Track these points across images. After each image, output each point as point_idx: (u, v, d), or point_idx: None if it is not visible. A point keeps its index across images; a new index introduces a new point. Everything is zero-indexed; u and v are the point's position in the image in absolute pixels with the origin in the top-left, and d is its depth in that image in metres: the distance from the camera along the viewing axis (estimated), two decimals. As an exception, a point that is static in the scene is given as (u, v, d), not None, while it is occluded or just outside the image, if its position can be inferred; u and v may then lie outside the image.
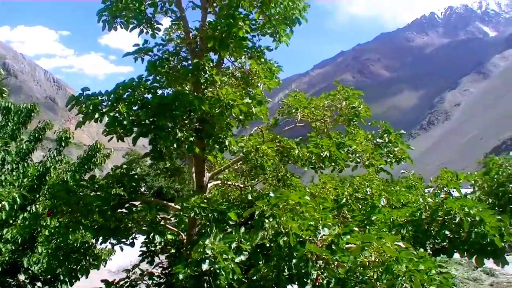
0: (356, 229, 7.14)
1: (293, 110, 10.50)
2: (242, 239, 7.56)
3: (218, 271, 6.94)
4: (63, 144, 15.73)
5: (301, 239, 6.97)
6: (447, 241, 8.09)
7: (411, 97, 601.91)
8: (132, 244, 10.40)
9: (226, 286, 7.28)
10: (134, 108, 8.87)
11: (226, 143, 9.85)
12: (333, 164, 9.42)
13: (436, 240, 8.13)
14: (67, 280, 13.14)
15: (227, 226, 8.82)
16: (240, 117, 9.40)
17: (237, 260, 7.20)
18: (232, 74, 10.70)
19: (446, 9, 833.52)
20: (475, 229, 7.64)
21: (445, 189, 8.88)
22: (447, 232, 7.89)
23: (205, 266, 6.89)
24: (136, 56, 10.57)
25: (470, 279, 21.97)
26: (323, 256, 6.74)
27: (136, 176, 11.11)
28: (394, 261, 5.83)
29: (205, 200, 9.18)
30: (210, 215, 8.92)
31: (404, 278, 5.66)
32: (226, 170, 11.63)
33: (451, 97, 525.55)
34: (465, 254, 8.17)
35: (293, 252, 6.79)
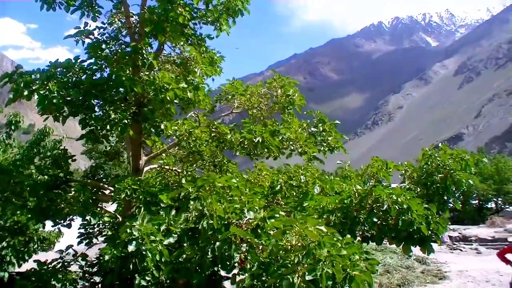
0: (282, 213, 6.66)
1: (229, 97, 9.96)
2: (172, 222, 7.04)
3: (144, 252, 6.49)
4: (12, 127, 15.15)
5: (226, 222, 6.49)
6: (375, 228, 7.73)
7: (357, 98, 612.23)
8: (69, 226, 10.11)
9: (153, 268, 6.82)
10: (68, 88, 8.23)
11: (162, 127, 9.25)
12: (266, 150, 8.93)
13: (364, 227, 7.75)
14: (15, 261, 12.51)
15: (161, 209, 8.27)
16: (176, 101, 8.79)
17: (165, 242, 6.77)
18: (174, 61, 10.13)
19: (393, 19, 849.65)
20: (403, 217, 7.29)
21: (374, 177, 8.50)
22: (375, 219, 7.51)
23: (131, 247, 6.44)
24: (78, 38, 9.99)
25: (403, 267, 21.96)
26: (248, 240, 6.27)
27: (73, 158, 10.51)
28: (316, 245, 5.36)
29: (138, 182, 8.58)
30: (141, 197, 8.33)
31: (325, 262, 5.20)
32: (164, 154, 11.01)
33: (394, 100, 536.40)
34: (394, 242, 7.84)
35: (218, 235, 6.31)
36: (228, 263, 6.25)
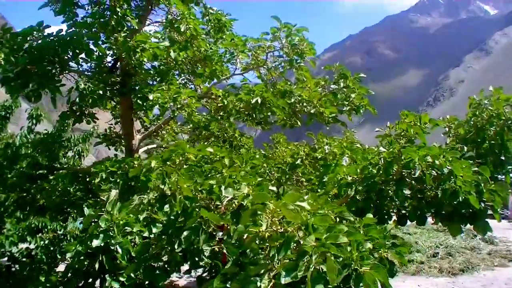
0: (273, 188, 4.86)
1: (229, 56, 8.22)
2: (156, 209, 5.41)
3: (113, 247, 5.16)
4: (34, 121, 14.32)
5: (197, 204, 4.81)
6: (410, 203, 5.84)
7: (416, 75, 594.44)
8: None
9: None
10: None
11: (151, 97, 7.60)
12: (269, 113, 7.15)
13: (396, 203, 5.87)
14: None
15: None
16: (156, 63, 7.16)
17: (146, 234, 5.28)
18: (162, 22, 8.52)
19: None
20: (443, 186, 5.36)
21: (405, 136, 6.52)
22: (406, 192, 5.60)
23: (95, 242, 5.08)
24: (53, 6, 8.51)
25: (468, 248, 19.49)
26: (227, 226, 4.56)
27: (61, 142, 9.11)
28: (301, 230, 3.60)
29: (117, 164, 7.03)
30: (119, 180, 6.76)
31: (313, 256, 3.42)
32: (165, 132, 9.43)
33: (455, 75, 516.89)
34: (437, 220, 5.94)
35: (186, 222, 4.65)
36: (196, 258, 4.61)
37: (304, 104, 7.51)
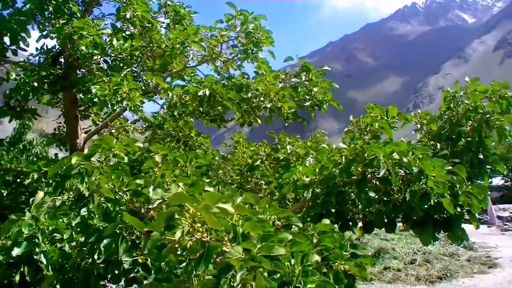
0: (210, 188, 4.09)
1: (179, 46, 7.46)
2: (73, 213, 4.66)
3: (37, 257, 4.38)
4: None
5: (121, 207, 4.06)
6: (375, 207, 5.13)
7: (396, 82, 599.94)
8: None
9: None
10: None
11: (93, 91, 6.77)
12: (219, 108, 6.41)
13: (358, 206, 5.16)
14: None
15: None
16: (95, 51, 6.37)
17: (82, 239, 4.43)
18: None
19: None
20: (412, 187, 4.66)
21: (370, 131, 5.80)
22: (371, 194, 4.89)
23: (16, 251, 4.36)
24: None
25: (446, 255, 18.97)
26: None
27: None
28: (226, 238, 2.87)
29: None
30: (52, 181, 5.95)
31: (239, 273, 2.68)
32: (114, 130, 8.63)
33: (434, 81, 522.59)
34: (408, 227, 5.24)
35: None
36: (116, 272, 3.87)
37: (262, 98, 6.80)
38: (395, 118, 5.79)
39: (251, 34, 6.98)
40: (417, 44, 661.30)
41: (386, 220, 5.20)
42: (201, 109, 6.54)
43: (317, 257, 3.27)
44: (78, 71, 7.28)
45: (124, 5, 7.05)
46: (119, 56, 7.33)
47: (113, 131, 8.74)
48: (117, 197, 3.94)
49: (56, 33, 6.22)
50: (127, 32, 6.88)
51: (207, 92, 6.13)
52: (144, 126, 8.84)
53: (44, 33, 6.95)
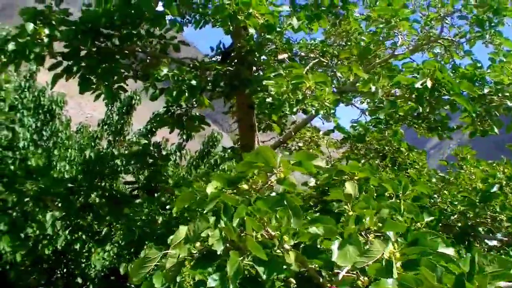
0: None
1: (382, 27, 5.58)
2: None
3: None
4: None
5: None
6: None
7: None
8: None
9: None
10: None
11: (270, 88, 5.32)
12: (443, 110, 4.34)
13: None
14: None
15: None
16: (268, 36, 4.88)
17: None
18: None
19: None
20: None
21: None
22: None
23: None
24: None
25: None
26: None
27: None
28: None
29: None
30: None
31: None
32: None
33: None
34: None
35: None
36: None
37: (506, 94, 4.58)
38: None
39: (488, -3, 4.69)
40: None
41: None
42: (417, 111, 4.57)
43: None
44: (254, 68, 5.80)
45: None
46: (310, 54, 5.80)
47: (300, 144, 7.12)
48: (274, 257, 2.24)
49: (216, 14, 4.76)
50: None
51: (429, 84, 4.07)
52: (341, 139, 7.13)
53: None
